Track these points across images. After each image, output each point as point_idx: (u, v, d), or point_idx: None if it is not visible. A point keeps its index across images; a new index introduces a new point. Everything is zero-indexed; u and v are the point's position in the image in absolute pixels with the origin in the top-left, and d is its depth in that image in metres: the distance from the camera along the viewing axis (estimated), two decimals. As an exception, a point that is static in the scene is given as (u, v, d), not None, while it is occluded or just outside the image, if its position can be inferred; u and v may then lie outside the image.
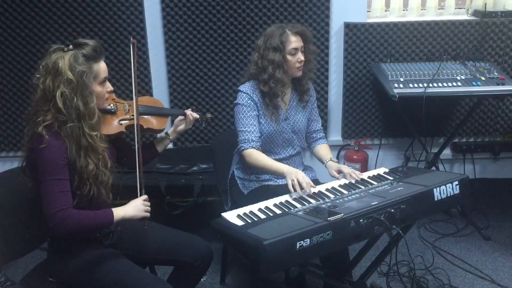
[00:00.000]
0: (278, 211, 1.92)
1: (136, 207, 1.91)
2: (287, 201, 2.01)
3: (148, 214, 1.94)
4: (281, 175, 2.24)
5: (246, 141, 2.35)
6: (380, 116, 3.52)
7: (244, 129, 2.36)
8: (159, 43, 3.34)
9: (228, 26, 3.29)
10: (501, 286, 2.66)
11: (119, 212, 1.86)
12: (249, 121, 2.36)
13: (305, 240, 1.64)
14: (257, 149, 2.35)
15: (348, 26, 3.32)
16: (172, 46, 3.32)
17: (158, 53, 3.37)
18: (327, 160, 2.43)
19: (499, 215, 3.38)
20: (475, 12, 3.42)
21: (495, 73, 3.10)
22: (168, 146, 2.37)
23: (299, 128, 2.50)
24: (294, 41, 2.33)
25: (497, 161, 3.65)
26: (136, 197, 1.96)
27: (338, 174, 2.30)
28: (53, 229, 1.73)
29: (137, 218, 1.91)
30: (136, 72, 2.02)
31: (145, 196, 1.97)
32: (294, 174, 2.12)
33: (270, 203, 2.00)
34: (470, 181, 2.12)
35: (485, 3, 3.37)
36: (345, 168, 2.29)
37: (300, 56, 2.35)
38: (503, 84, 2.99)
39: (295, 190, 2.07)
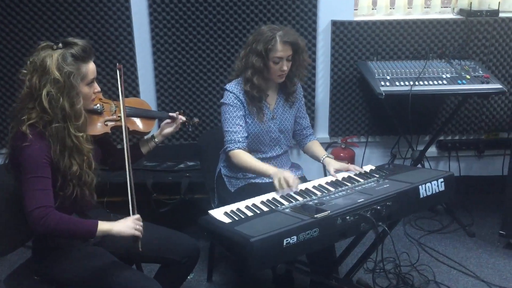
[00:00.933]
0: (265, 209, 1.92)
1: (125, 224, 1.81)
2: (274, 199, 2.02)
3: (139, 234, 1.83)
4: (267, 176, 2.24)
5: (232, 141, 2.35)
6: (366, 114, 3.54)
7: (230, 130, 2.36)
8: (146, 44, 3.32)
9: (216, 24, 3.28)
10: (485, 282, 2.70)
11: (104, 226, 1.77)
12: (235, 121, 2.36)
13: (292, 237, 1.65)
14: (243, 150, 2.35)
15: (335, 24, 3.33)
16: (159, 43, 3.30)
17: (145, 55, 3.34)
18: (324, 156, 2.44)
19: (483, 212, 3.42)
20: (461, 11, 3.45)
21: (480, 71, 3.13)
22: (155, 142, 2.36)
23: (286, 127, 2.50)
24: (280, 50, 2.28)
25: (481, 159, 3.70)
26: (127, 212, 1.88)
27: (337, 171, 2.30)
28: (32, 226, 1.71)
29: (126, 236, 1.80)
30: (123, 96, 1.99)
31: (137, 216, 1.87)
32: (280, 174, 2.12)
33: (257, 200, 2.00)
34: (455, 179, 2.14)
35: (470, 2, 3.40)
36: (349, 166, 2.31)
37: (283, 66, 2.31)
38: (487, 83, 3.03)
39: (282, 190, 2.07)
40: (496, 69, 3.45)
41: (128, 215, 1.87)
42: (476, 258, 2.94)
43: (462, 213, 3.37)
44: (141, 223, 1.86)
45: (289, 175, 2.11)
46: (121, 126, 2.03)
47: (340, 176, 2.23)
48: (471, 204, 3.51)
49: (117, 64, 2.04)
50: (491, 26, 3.37)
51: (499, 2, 3.44)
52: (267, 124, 2.43)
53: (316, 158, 2.52)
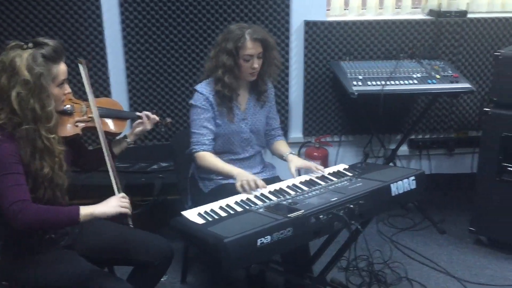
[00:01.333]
0: (239, 209, 1.92)
1: (108, 203, 1.81)
2: (248, 199, 2.01)
3: (126, 210, 1.83)
4: (232, 178, 2.23)
5: (197, 143, 2.35)
6: (340, 113, 3.57)
7: (197, 132, 2.35)
8: (117, 44, 3.26)
9: (189, 23, 3.25)
10: (455, 277, 2.75)
11: (87, 209, 1.75)
12: (202, 123, 2.35)
13: (266, 237, 1.65)
14: (209, 152, 2.33)
15: (308, 24, 3.35)
16: (130, 42, 3.25)
17: (117, 54, 3.28)
18: (287, 153, 2.44)
19: (454, 209, 3.49)
20: (431, 12, 3.51)
21: (449, 71, 3.20)
22: (128, 143, 2.32)
23: (257, 127, 2.50)
24: (250, 48, 2.28)
25: (451, 157, 3.77)
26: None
27: (299, 170, 2.31)
28: (12, 223, 1.66)
29: (111, 215, 1.80)
30: (92, 92, 1.97)
31: (122, 194, 1.88)
32: (243, 176, 2.13)
33: (231, 201, 2.00)
34: (426, 176, 2.18)
35: (440, 3, 3.47)
36: (310, 164, 2.31)
37: (254, 63, 2.31)
38: (456, 82, 3.09)
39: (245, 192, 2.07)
40: (465, 69, 3.52)
41: None
42: (447, 254, 2.99)
43: (433, 210, 3.43)
44: (127, 200, 1.86)
45: (252, 178, 2.11)
46: (92, 127, 2.00)
47: (301, 177, 2.23)
48: (441, 201, 3.58)
49: (78, 58, 2.01)
50: (459, 27, 3.44)
51: (467, 3, 3.52)
52: (238, 125, 2.42)
53: (280, 157, 2.52)
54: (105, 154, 1.96)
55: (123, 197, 1.87)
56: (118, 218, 1.84)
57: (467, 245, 3.08)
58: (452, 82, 3.08)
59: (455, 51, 3.50)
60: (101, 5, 3.18)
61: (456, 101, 3.58)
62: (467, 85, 3.08)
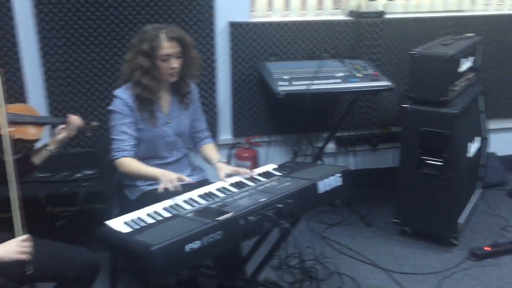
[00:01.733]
0: (167, 215, 1.87)
1: (6, 249, 1.64)
2: (176, 204, 1.97)
3: (24, 257, 1.67)
4: (156, 181, 2.18)
5: (118, 150, 2.28)
6: (268, 113, 3.59)
7: (117, 138, 2.28)
8: (32, 47, 3.07)
9: (109, 25, 3.14)
10: (382, 269, 2.86)
11: None
12: (122, 129, 2.28)
13: (195, 242, 1.62)
14: (130, 158, 2.27)
15: (233, 26, 3.34)
16: (47, 45, 3.08)
17: (32, 59, 3.09)
18: (216, 161, 2.42)
19: (379, 203, 3.62)
20: (351, 13, 3.62)
21: (370, 70, 3.31)
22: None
23: (183, 130, 2.45)
24: (167, 47, 2.23)
25: (376, 152, 3.91)
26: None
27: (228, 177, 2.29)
28: None
29: (7, 260, 1.63)
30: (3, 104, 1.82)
31: (24, 236, 1.70)
32: (167, 177, 2.10)
33: (158, 207, 1.94)
34: (351, 172, 2.24)
35: (359, 4, 3.59)
36: (239, 169, 2.29)
37: (173, 63, 2.27)
38: (377, 80, 3.21)
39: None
40: (384, 67, 3.66)
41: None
42: (374, 247, 3.10)
43: (360, 205, 3.53)
44: (29, 244, 1.70)
45: (175, 176, 2.09)
46: (2, 135, 1.86)
47: (230, 180, 2.21)
48: (368, 195, 3.70)
49: None
50: (378, 27, 3.58)
51: (385, 4, 3.67)
52: (161, 128, 2.37)
53: (209, 162, 2.49)
54: (10, 180, 1.73)
55: (24, 240, 1.69)
56: (14, 265, 1.66)
57: (393, 237, 3.21)
58: (372, 81, 3.20)
59: (375, 50, 3.64)
60: (13, 7, 2.99)
61: (377, 99, 3.72)
62: (387, 83, 3.21)
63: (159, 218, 1.84)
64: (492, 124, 3.78)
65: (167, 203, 1.97)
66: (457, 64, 3.00)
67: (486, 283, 2.73)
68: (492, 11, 3.92)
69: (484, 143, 3.56)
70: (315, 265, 2.82)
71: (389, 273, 2.81)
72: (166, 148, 2.41)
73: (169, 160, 2.43)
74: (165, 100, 2.41)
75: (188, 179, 2.12)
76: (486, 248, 2.96)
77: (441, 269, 2.84)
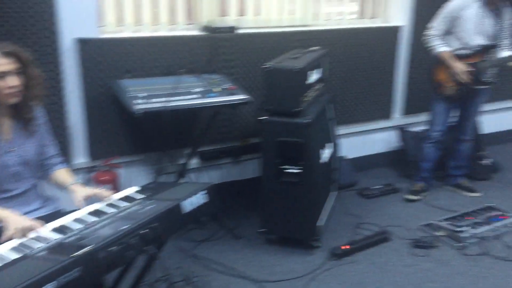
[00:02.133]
0: (14, 256, 1.66)
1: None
2: (22, 244, 1.76)
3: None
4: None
5: None
6: (127, 132, 3.45)
7: None
8: None
9: None
10: (251, 279, 2.89)
11: None
12: None
13: (50, 284, 1.46)
14: None
15: (81, 42, 3.15)
16: None
17: None
18: (69, 184, 2.23)
19: (246, 214, 3.67)
20: (204, 28, 3.65)
21: (227, 84, 3.36)
22: None
23: (29, 159, 2.22)
24: (3, 64, 2.02)
25: (238, 164, 3.98)
26: None
27: (85, 200, 2.14)
28: None
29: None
30: None
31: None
32: (13, 223, 1.85)
33: (3, 248, 1.72)
34: (216, 187, 2.23)
35: (212, 20, 3.63)
36: (94, 190, 2.15)
37: (10, 81, 2.04)
38: (234, 94, 3.26)
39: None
40: (241, 81, 3.75)
41: None
42: (243, 258, 3.13)
43: (228, 217, 3.56)
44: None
45: (26, 226, 1.84)
46: None
47: (87, 207, 2.08)
48: (235, 208, 3.74)
49: None
50: (231, 42, 3.65)
51: (236, 20, 3.76)
52: (2, 159, 2.12)
53: (62, 188, 2.30)
54: None
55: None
56: None
57: (260, 246, 3.27)
58: (230, 94, 3.24)
59: (230, 64, 3.71)
60: None
61: (236, 111, 3.79)
62: (244, 96, 3.28)
63: (5, 261, 1.63)
64: (341, 130, 4.10)
65: (14, 243, 1.76)
66: (306, 76, 3.19)
67: (348, 280, 2.92)
68: (333, 25, 4.26)
69: (335, 148, 3.83)
70: (184, 286, 2.76)
71: (259, 283, 2.86)
72: (10, 179, 2.15)
73: (14, 192, 2.17)
74: (6, 127, 2.15)
75: (39, 226, 1.87)
76: (343, 247, 3.17)
77: (306, 273, 2.97)
